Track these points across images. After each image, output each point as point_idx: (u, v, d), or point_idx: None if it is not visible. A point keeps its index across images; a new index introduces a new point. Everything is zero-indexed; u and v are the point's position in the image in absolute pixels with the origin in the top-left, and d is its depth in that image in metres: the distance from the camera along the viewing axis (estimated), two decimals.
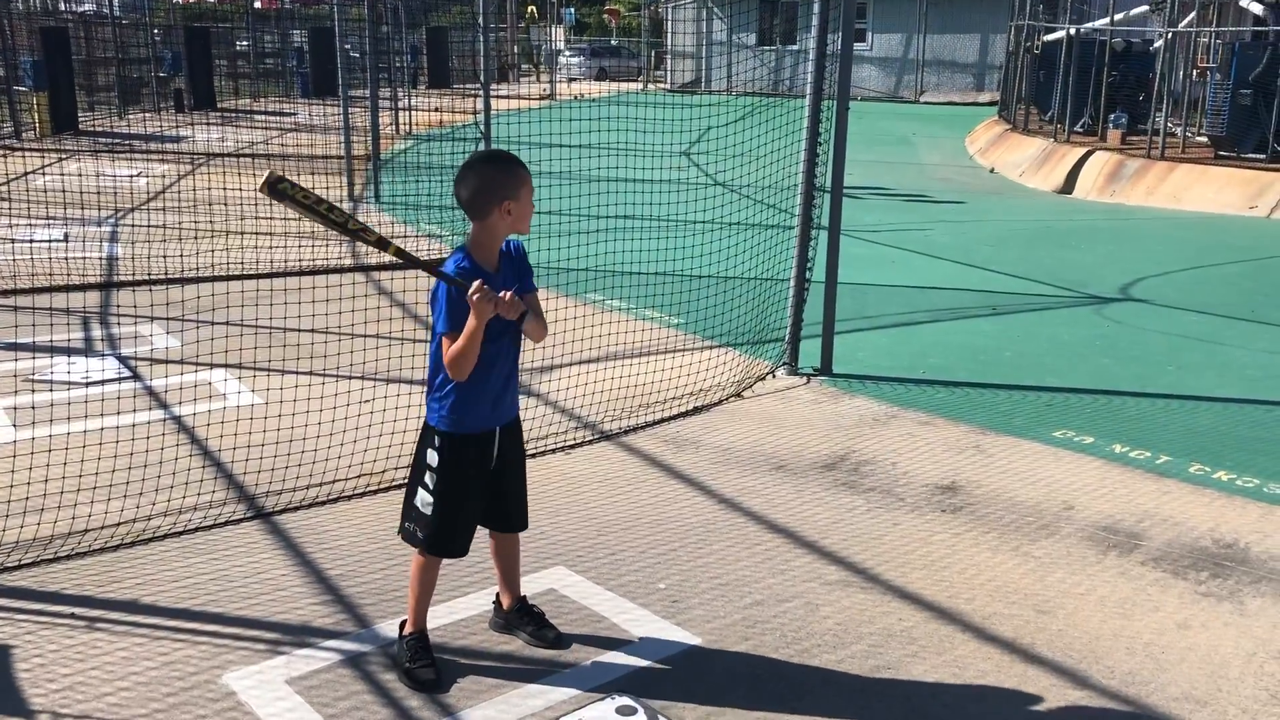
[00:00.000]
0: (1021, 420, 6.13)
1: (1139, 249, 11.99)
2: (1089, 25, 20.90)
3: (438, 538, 3.51)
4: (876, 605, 4.03)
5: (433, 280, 3.35)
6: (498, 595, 3.82)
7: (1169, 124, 17.32)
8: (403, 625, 3.63)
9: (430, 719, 3.30)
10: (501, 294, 3.23)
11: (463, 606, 3.92)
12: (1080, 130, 19.45)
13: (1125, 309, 9.11)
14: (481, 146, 10.01)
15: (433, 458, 3.48)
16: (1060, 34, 20.62)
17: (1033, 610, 4.02)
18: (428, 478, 3.49)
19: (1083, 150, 17.85)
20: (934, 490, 5.12)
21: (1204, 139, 17.51)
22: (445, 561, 3.68)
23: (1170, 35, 17.96)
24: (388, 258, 3.34)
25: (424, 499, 3.49)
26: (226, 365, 6.56)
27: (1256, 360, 7.56)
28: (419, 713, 3.33)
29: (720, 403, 6.32)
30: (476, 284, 3.19)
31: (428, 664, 3.49)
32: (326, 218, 3.20)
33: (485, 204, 3.32)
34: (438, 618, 3.79)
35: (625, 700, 3.40)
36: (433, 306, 3.37)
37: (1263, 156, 15.89)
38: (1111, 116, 18.71)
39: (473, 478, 3.50)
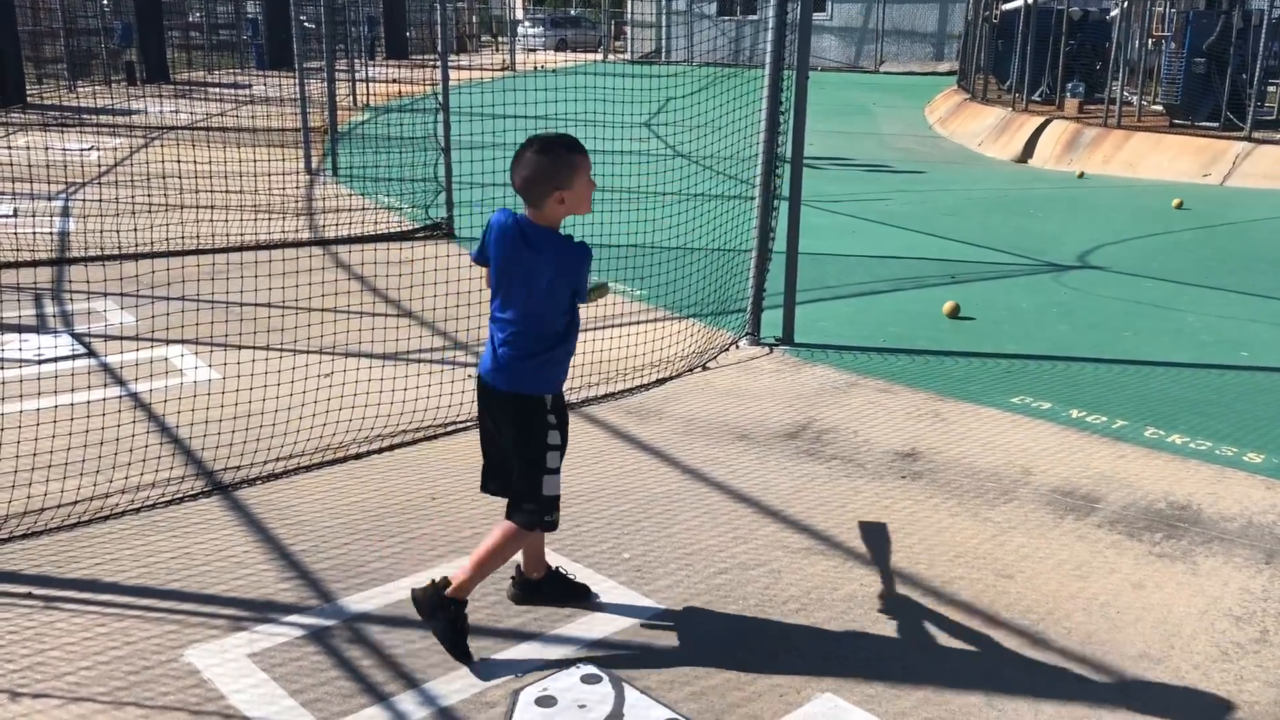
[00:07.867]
0: (980, 387, 6.20)
1: (1096, 217, 12.11)
2: None
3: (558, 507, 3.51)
4: (839, 571, 4.07)
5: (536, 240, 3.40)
6: (519, 568, 3.75)
7: (1125, 92, 17.48)
8: (448, 592, 3.47)
9: (396, 690, 3.30)
10: None
11: (428, 579, 3.91)
12: (1038, 99, 19.57)
13: (1082, 276, 9.21)
14: (440, 118, 9.89)
15: (554, 437, 3.42)
16: (1018, 3, 20.69)
17: (992, 574, 4.07)
18: (550, 459, 3.41)
19: (1040, 119, 17.97)
20: (895, 457, 5.16)
21: (1159, 107, 17.68)
22: (411, 536, 3.65)
23: (1126, 4, 18.08)
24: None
25: (552, 484, 3.41)
26: (183, 341, 6.48)
27: (1209, 325, 7.68)
28: (385, 685, 3.32)
29: (683, 373, 6.33)
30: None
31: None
32: None
33: (538, 194, 3.35)
34: (405, 590, 3.78)
35: (590, 669, 3.41)
36: (577, 271, 3.36)
37: (1216, 125, 16.07)
38: (1069, 85, 18.84)
39: None
